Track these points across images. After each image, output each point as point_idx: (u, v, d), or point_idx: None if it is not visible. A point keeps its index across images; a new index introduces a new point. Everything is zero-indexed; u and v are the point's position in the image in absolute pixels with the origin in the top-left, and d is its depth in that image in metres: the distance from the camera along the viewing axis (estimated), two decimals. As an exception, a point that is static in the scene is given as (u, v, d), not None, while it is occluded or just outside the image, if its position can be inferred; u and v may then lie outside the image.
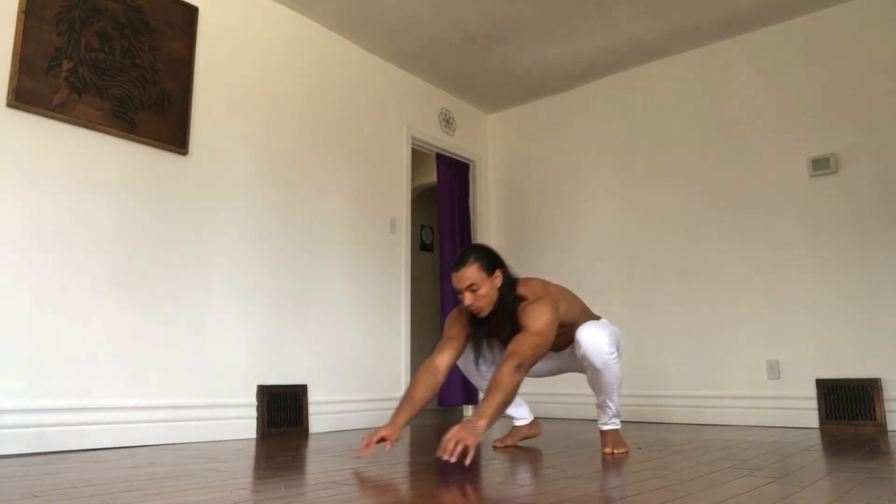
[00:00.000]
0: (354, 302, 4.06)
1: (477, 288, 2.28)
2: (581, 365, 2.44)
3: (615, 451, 2.43)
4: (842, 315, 3.67)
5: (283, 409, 3.45)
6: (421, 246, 6.66)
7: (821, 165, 3.82)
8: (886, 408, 3.47)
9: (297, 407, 3.53)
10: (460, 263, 2.30)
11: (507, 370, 2.09)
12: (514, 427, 2.81)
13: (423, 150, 4.99)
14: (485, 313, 2.33)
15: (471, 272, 2.28)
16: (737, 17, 4.04)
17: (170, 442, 2.96)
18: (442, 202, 5.00)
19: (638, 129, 4.64)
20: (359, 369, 4.01)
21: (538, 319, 2.24)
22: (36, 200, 2.70)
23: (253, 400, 3.38)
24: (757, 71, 4.16)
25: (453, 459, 1.89)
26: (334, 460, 2.33)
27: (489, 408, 2.03)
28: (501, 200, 5.35)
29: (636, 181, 4.59)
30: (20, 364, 2.58)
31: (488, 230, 5.31)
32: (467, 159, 5.25)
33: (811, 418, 3.68)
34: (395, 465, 2.15)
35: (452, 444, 1.92)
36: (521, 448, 2.69)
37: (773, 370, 3.84)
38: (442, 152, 5.02)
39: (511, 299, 2.34)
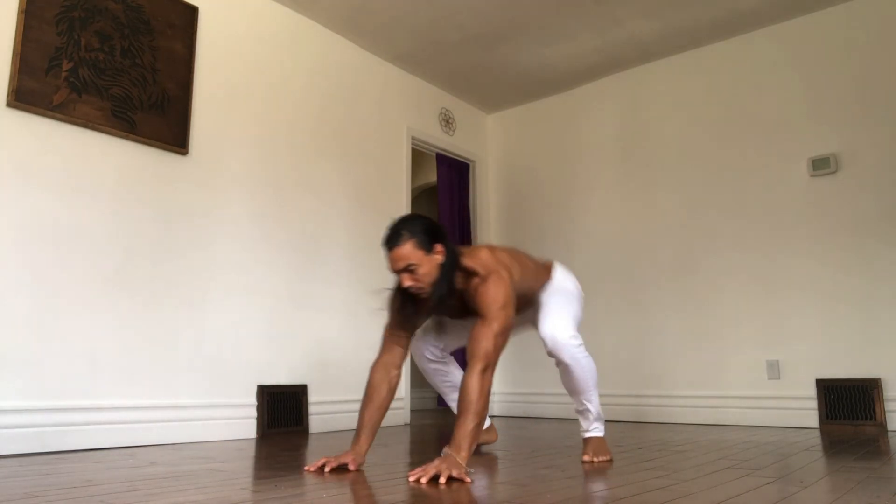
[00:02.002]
0: (354, 302, 4.05)
1: (415, 267, 2.00)
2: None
3: (595, 460, 2.20)
4: (842, 315, 3.67)
5: (283, 409, 3.45)
6: (421, 246, 6.65)
7: (821, 165, 3.82)
8: (886, 408, 3.47)
9: (297, 407, 3.53)
10: (392, 241, 2.02)
11: (473, 380, 1.87)
12: None
13: (423, 150, 4.99)
14: (427, 294, 2.05)
15: (406, 251, 1.99)
16: (736, 17, 4.04)
17: (170, 442, 2.96)
18: (442, 202, 5.00)
19: (638, 129, 4.64)
20: (359, 369, 3.99)
21: (494, 301, 1.99)
22: (36, 200, 2.70)
23: (253, 400, 3.38)
24: (757, 71, 4.16)
25: (423, 481, 1.73)
26: (334, 460, 2.32)
27: (465, 437, 1.82)
28: (501, 200, 5.35)
29: (636, 181, 4.59)
30: (20, 364, 2.58)
31: (488, 230, 5.31)
32: (467, 159, 5.25)
33: (811, 418, 3.68)
34: (395, 465, 2.15)
35: (433, 473, 1.74)
36: (519, 448, 2.69)
37: (773, 370, 3.84)
38: (442, 152, 5.02)
39: (455, 275, 2.07)
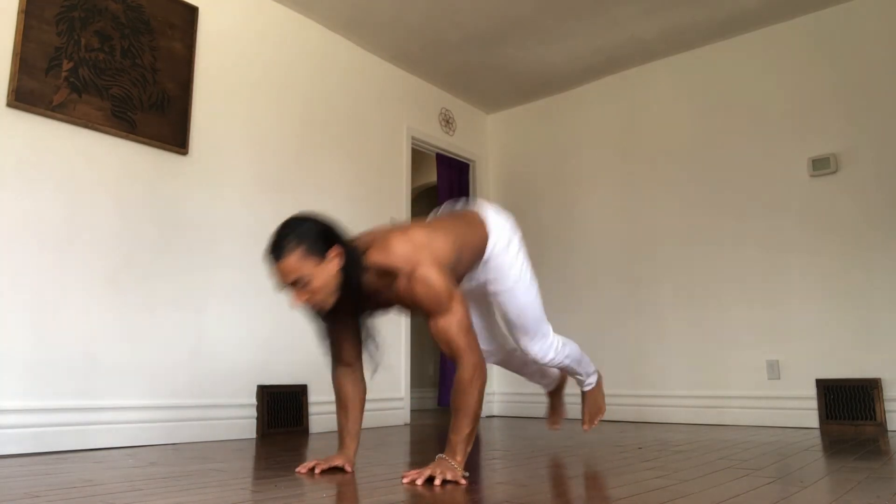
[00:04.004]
0: (354, 302, 4.05)
1: (308, 280, 1.68)
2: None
3: (595, 424, 2.60)
4: (842, 315, 3.67)
5: (283, 409, 3.45)
6: (421, 246, 6.65)
7: (821, 165, 3.82)
8: (886, 408, 3.46)
9: (297, 407, 3.53)
10: (275, 253, 1.68)
11: (464, 382, 1.74)
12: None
13: (423, 150, 4.99)
14: (329, 306, 1.77)
15: (292, 262, 1.66)
16: (736, 17, 4.04)
17: (170, 442, 2.96)
18: (442, 202, 4.99)
19: (638, 129, 4.64)
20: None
21: (437, 295, 1.73)
22: (36, 200, 2.70)
23: (253, 400, 3.38)
24: (757, 71, 4.15)
25: (419, 482, 1.69)
26: (334, 460, 2.32)
27: (460, 441, 1.74)
28: (501, 200, 5.35)
29: (636, 181, 4.59)
30: (20, 364, 2.57)
31: (488, 230, 5.30)
32: (467, 159, 5.25)
33: (811, 418, 3.68)
34: (395, 466, 2.15)
35: (428, 474, 1.69)
36: (519, 448, 2.69)
37: (773, 370, 3.84)
38: (442, 152, 5.02)
39: (361, 278, 1.76)
